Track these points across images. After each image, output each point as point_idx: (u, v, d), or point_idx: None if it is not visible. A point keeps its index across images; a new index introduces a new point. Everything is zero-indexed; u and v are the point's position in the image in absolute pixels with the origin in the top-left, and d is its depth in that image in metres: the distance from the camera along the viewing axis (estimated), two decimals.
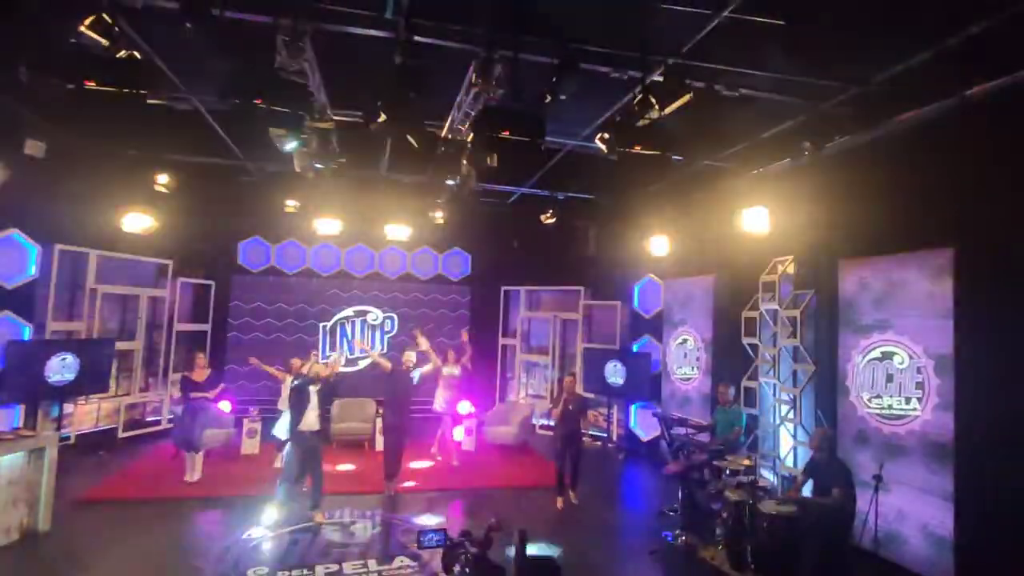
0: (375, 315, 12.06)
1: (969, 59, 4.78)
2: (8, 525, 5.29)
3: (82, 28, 4.40)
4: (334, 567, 5.12)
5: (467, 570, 1.56)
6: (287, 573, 4.98)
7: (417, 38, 5.04)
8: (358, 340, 8.67)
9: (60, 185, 7.86)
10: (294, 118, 4.53)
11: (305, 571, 5.03)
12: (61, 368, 7.66)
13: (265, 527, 5.90)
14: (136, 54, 4.71)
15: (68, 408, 8.35)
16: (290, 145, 5.45)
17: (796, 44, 5.22)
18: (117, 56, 4.35)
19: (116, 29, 4.45)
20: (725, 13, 4.74)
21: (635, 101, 5.38)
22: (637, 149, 4.96)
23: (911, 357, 5.57)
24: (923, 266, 5.53)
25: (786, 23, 4.87)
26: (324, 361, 10.23)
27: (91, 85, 3.93)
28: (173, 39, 5.02)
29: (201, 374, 7.31)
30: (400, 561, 5.28)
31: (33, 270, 7.72)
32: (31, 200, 7.54)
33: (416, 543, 3.27)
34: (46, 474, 5.62)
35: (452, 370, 8.87)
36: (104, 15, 4.37)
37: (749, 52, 5.29)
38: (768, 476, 7.30)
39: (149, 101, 4.69)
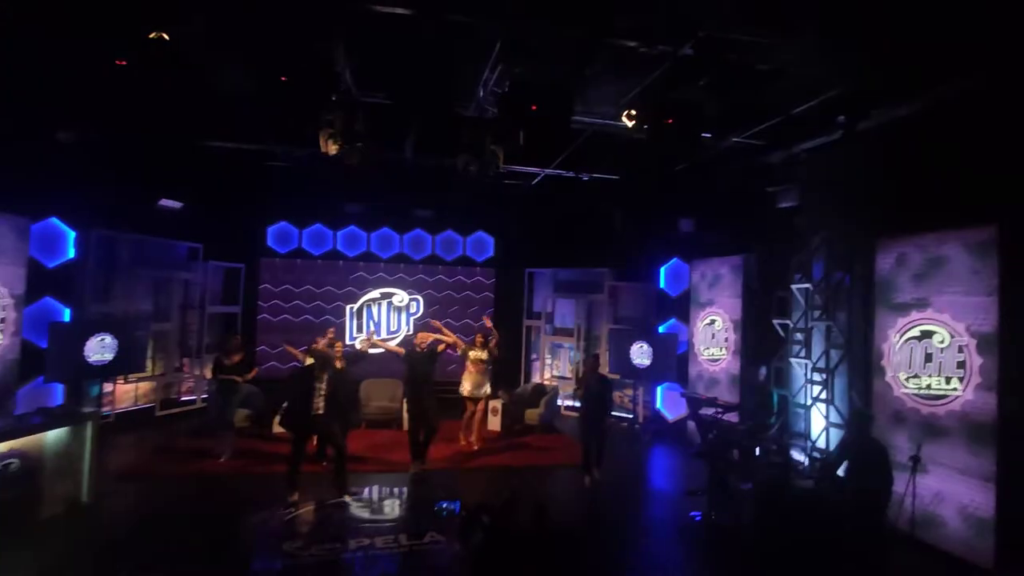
0: (401, 297, 12.14)
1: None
2: (55, 497, 5.50)
3: None
4: (366, 541, 5.22)
5: (483, 541, 1.56)
6: (321, 547, 5.09)
7: (445, 16, 5.02)
8: (371, 337, 8.70)
9: (93, 169, 8.02)
10: (318, 99, 4.49)
11: (338, 545, 5.14)
12: (100, 348, 7.89)
13: (298, 503, 6.03)
14: (164, 35, 4.73)
15: (107, 387, 8.62)
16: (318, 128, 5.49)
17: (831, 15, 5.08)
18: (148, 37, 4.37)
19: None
20: None
21: (665, 75, 5.27)
22: (669, 123, 4.80)
23: (952, 336, 5.40)
24: (965, 243, 5.32)
25: None
26: (352, 341, 10.34)
27: (122, 64, 3.94)
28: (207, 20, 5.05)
29: (235, 357, 7.46)
30: (430, 536, 5.36)
31: (72, 252, 7.92)
32: (67, 185, 7.72)
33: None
34: (88, 449, 5.82)
35: (479, 354, 8.87)
36: None
37: (783, 23, 5.12)
38: (800, 457, 7.20)
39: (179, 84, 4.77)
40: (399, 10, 5.04)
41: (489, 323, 8.77)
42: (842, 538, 4.84)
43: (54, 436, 5.49)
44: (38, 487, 5.32)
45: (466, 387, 8.41)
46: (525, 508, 3.13)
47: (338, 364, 6.44)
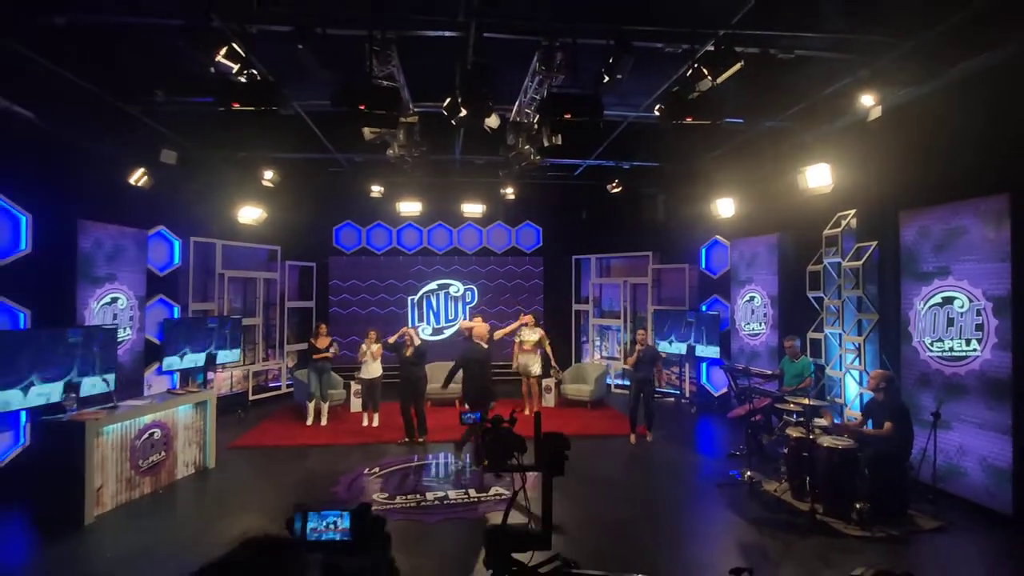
0: (456, 287, 13.08)
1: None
2: (187, 461, 6.68)
3: (219, 58, 5.42)
4: (441, 493, 6.16)
5: (486, 439, 2.04)
6: (404, 498, 6.04)
7: (486, 34, 5.76)
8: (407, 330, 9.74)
9: (190, 186, 9.23)
10: (388, 118, 5.32)
11: (418, 496, 6.08)
12: None
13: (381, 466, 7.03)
14: (266, 76, 5.68)
15: (209, 375, 9.89)
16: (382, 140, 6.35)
17: (844, 6, 5.49)
18: (251, 79, 5.30)
19: (244, 56, 5.45)
20: None
21: (688, 74, 5.82)
22: (688, 120, 5.38)
23: (971, 300, 5.78)
24: (980, 212, 5.68)
25: None
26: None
27: (236, 107, 4.88)
28: (283, 57, 5.97)
29: (323, 341, 8.59)
30: (495, 490, 6.22)
31: (177, 259, 9.19)
32: (170, 200, 8.94)
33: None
34: (209, 422, 6.97)
35: (531, 336, 9.71)
36: (235, 44, 5.37)
37: (802, 15, 5.54)
38: (836, 421, 7.63)
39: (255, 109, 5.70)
40: (448, 33, 5.85)
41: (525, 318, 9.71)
42: (864, 484, 5.37)
43: (183, 411, 6.64)
44: (173, 452, 6.49)
45: (518, 365, 9.42)
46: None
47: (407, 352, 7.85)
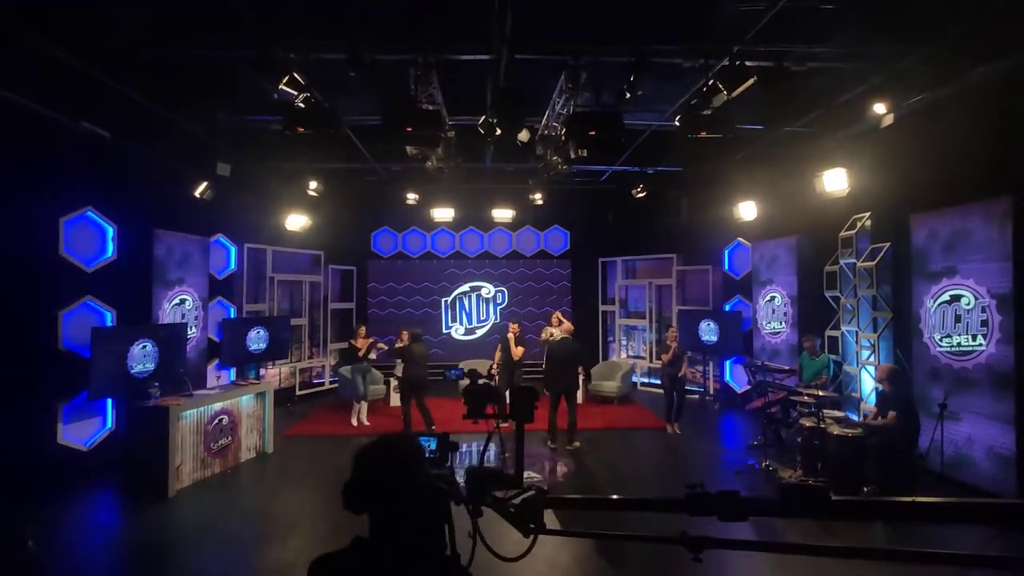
0: (488, 289, 13.69)
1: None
2: (249, 445, 7.41)
3: (281, 86, 6.14)
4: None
5: (466, 392, 2.34)
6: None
7: (517, 55, 6.34)
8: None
9: (243, 197, 10.04)
10: (432, 138, 5.95)
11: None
12: (257, 340, 9.91)
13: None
14: (320, 101, 6.36)
15: (261, 372, 10.70)
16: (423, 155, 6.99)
17: (855, 15, 5.85)
18: (309, 103, 6.00)
19: (303, 84, 6.15)
20: (781, 3, 5.41)
21: (704, 88, 6.29)
22: (702, 135, 5.86)
23: (976, 298, 6.11)
24: (984, 214, 6.02)
25: (835, 6, 5.54)
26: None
27: (301, 130, 5.57)
28: (331, 78, 6.62)
29: (363, 342, 9.27)
30: (527, 473, 6.77)
31: (233, 264, 10.01)
32: (226, 210, 9.75)
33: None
34: (268, 411, 7.71)
35: (559, 333, 10.20)
36: (295, 74, 6.07)
37: (813, 30, 5.93)
38: (853, 417, 7.96)
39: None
40: (483, 57, 6.46)
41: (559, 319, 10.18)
42: (873, 470, 5.76)
43: (246, 400, 7.38)
44: (238, 437, 7.22)
45: None
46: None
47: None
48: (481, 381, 2.48)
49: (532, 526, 1.63)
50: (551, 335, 10.08)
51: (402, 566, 1.42)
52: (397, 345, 8.72)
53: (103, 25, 5.52)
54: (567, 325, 8.72)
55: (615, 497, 1.61)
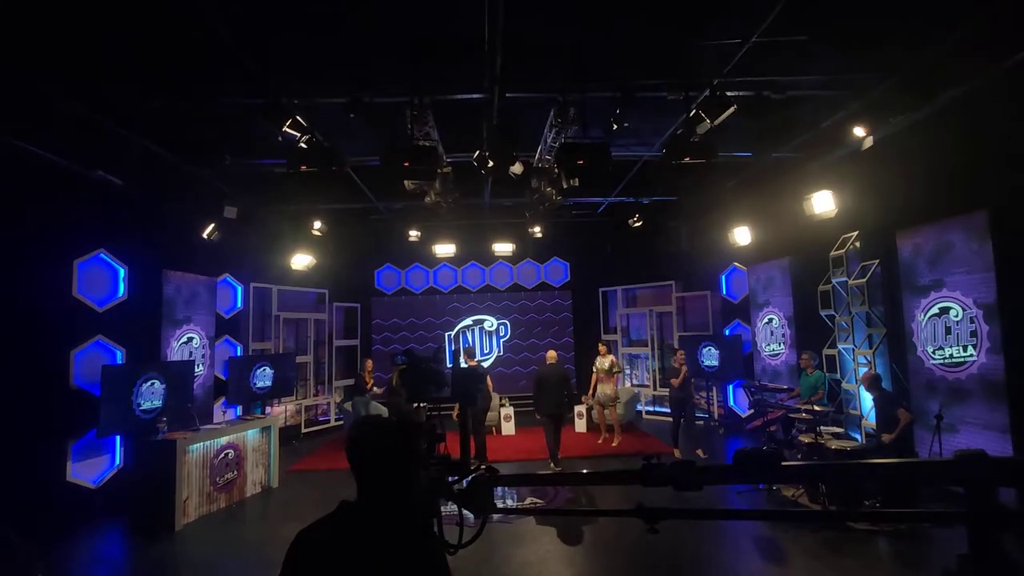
0: (490, 322, 13.85)
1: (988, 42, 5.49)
2: (255, 480, 7.47)
3: (285, 128, 6.48)
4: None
5: (406, 375, 2.32)
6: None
7: (508, 94, 6.68)
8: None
9: (249, 238, 10.36)
10: (428, 172, 6.23)
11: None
12: (263, 377, 10.06)
13: None
14: (321, 142, 6.69)
15: (267, 409, 10.80)
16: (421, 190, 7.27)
17: (829, 47, 6.17)
18: (311, 144, 6.32)
19: (305, 126, 6.49)
20: (753, 39, 5.77)
21: (688, 118, 6.59)
22: (687, 160, 6.13)
23: (964, 309, 6.24)
24: (964, 228, 6.21)
25: (808, 39, 5.87)
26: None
27: (305, 168, 5.87)
28: (332, 120, 6.97)
29: (369, 377, 9.42)
30: (531, 499, 6.81)
31: (239, 303, 10.25)
32: (233, 250, 10.05)
33: None
34: (273, 446, 7.79)
35: (603, 364, 10.19)
36: (298, 118, 6.42)
37: (790, 61, 6.23)
38: (855, 436, 7.97)
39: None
40: (475, 95, 6.80)
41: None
42: (873, 485, 5.77)
43: (252, 435, 7.49)
44: (244, 472, 7.30)
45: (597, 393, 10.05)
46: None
47: None
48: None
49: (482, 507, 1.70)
50: (603, 365, 10.17)
51: (386, 532, 1.54)
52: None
53: (120, 87, 5.90)
54: (552, 353, 8.75)
55: (569, 472, 1.73)
